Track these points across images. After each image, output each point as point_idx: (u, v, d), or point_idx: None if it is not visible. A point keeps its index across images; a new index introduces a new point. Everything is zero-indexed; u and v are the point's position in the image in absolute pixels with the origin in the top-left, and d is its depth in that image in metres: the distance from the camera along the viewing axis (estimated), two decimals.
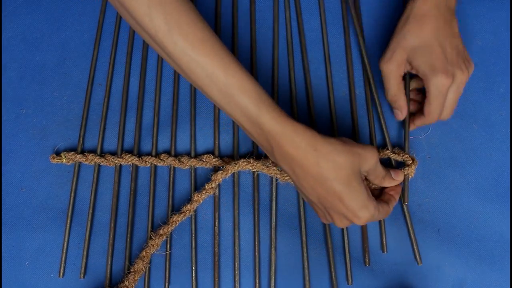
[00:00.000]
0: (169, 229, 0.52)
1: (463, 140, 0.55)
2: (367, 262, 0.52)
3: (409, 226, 0.52)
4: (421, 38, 0.49)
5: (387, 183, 0.49)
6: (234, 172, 0.54)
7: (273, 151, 0.44)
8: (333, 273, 0.52)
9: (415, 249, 0.52)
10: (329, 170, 0.42)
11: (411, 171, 0.52)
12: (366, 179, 0.48)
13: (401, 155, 0.52)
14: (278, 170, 0.52)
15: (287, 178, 0.52)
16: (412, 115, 0.54)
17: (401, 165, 0.53)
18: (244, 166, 0.52)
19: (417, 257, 0.52)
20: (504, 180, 0.54)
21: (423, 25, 0.49)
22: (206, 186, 0.52)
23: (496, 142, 0.55)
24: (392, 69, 0.51)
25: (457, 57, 0.49)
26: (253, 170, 0.52)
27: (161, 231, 0.51)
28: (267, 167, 0.51)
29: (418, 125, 0.53)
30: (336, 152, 0.42)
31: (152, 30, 0.42)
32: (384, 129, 0.54)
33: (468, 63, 0.50)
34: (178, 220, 0.52)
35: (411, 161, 0.52)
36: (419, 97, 0.54)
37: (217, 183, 0.52)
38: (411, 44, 0.49)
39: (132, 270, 0.51)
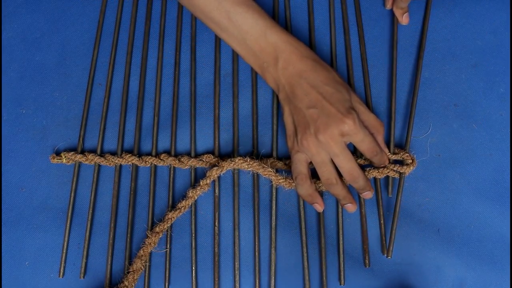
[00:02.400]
0: (165, 226, 0.52)
1: (463, 140, 0.55)
2: (367, 264, 0.52)
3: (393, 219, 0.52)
4: None
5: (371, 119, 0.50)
6: (232, 171, 0.54)
7: (276, 61, 0.49)
8: (324, 273, 0.52)
9: (391, 240, 0.52)
10: (324, 76, 0.48)
11: (408, 170, 0.52)
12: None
13: (401, 154, 0.52)
14: (273, 171, 0.51)
15: (281, 180, 0.51)
16: None
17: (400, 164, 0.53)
18: (240, 164, 0.51)
19: (389, 249, 0.51)
20: (504, 180, 0.54)
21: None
22: (201, 182, 0.52)
23: (496, 142, 0.55)
24: None
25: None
26: (249, 169, 0.52)
27: (157, 229, 0.51)
28: (263, 167, 0.51)
29: (402, 4, 0.54)
30: (332, 69, 0.50)
31: None
32: (392, 129, 0.54)
33: None
34: (173, 217, 0.52)
35: (411, 160, 0.52)
36: None
37: (211, 179, 0.52)
38: None
39: (131, 270, 0.51)
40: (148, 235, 0.51)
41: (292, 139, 0.50)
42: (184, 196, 0.53)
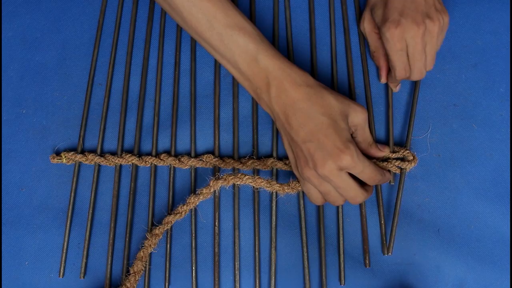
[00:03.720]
0: (164, 229, 0.51)
1: (463, 140, 0.55)
2: (367, 264, 0.52)
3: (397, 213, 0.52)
4: None
5: (373, 152, 0.50)
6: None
7: (269, 88, 0.46)
8: (324, 273, 0.52)
9: (391, 238, 0.52)
10: (319, 105, 0.45)
11: (409, 166, 0.52)
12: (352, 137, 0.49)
13: (402, 151, 0.52)
14: (279, 185, 0.51)
15: (287, 190, 0.51)
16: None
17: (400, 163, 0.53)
18: (246, 180, 0.51)
19: (390, 245, 0.51)
20: (504, 180, 0.54)
21: None
22: (204, 190, 0.51)
23: (496, 142, 0.55)
24: (365, 27, 0.54)
25: (420, 8, 0.48)
26: (255, 186, 0.51)
27: (156, 231, 0.51)
28: (269, 184, 0.50)
29: (395, 81, 0.54)
30: (328, 92, 0.46)
31: None
32: (391, 129, 0.54)
33: (440, 13, 0.49)
34: (172, 221, 0.51)
35: (412, 157, 0.52)
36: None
37: (214, 189, 0.51)
38: (372, 0, 0.52)
39: (132, 272, 0.51)
40: (148, 237, 0.51)
41: (294, 167, 0.48)
42: (184, 201, 0.52)
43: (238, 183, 0.51)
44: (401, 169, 0.52)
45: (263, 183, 0.51)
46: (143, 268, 0.51)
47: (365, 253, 0.52)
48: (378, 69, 0.56)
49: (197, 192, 0.51)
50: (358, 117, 0.47)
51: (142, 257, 0.51)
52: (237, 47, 0.47)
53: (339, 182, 0.45)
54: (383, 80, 0.55)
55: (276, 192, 0.53)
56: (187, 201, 0.51)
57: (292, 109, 0.46)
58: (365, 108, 0.48)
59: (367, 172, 0.46)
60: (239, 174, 0.51)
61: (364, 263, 0.52)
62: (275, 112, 0.47)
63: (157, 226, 0.52)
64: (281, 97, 0.46)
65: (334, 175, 0.45)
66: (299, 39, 0.58)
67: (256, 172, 0.54)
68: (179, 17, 0.49)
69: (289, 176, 0.54)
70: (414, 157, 0.52)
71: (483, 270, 0.52)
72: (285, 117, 0.46)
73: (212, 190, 0.51)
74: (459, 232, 0.53)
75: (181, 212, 0.51)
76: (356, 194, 0.47)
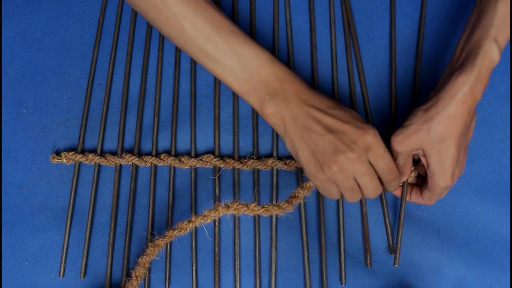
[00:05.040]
0: (166, 242, 0.50)
1: None
2: (369, 264, 0.52)
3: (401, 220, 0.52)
4: (444, 137, 0.45)
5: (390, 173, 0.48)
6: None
7: (278, 93, 0.47)
8: (324, 273, 0.52)
9: (399, 241, 0.51)
10: (328, 100, 0.47)
11: (409, 178, 0.51)
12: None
13: None
14: (276, 208, 0.49)
15: (285, 206, 0.50)
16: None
17: None
18: (240, 209, 0.49)
19: (396, 256, 0.50)
20: (504, 180, 0.54)
21: (452, 125, 0.45)
22: (207, 213, 0.49)
23: (496, 142, 0.55)
24: (403, 151, 0.47)
25: (463, 159, 0.48)
26: (250, 214, 0.50)
27: (159, 242, 0.50)
28: (266, 210, 0.49)
29: (435, 194, 0.50)
30: (330, 98, 0.48)
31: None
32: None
33: (462, 168, 0.48)
34: (173, 235, 0.50)
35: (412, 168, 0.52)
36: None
37: (221, 214, 0.49)
38: (433, 139, 0.46)
39: (133, 275, 0.50)
40: (150, 247, 0.50)
41: (316, 170, 0.46)
42: (188, 219, 0.50)
43: (242, 212, 0.49)
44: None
45: (260, 211, 0.49)
46: (144, 271, 0.51)
47: (366, 253, 0.52)
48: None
49: (203, 213, 0.49)
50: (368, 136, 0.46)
51: (144, 263, 0.50)
52: (245, 55, 0.46)
53: (365, 168, 0.45)
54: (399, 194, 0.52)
55: (277, 192, 0.54)
56: (191, 219, 0.50)
57: (306, 107, 0.46)
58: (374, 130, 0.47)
59: (386, 158, 0.46)
60: (246, 204, 0.49)
61: (366, 263, 0.52)
62: (287, 116, 0.46)
63: (159, 237, 0.50)
64: (292, 99, 0.46)
65: (361, 158, 0.45)
66: (299, 39, 0.58)
67: (256, 172, 0.54)
68: (174, 30, 0.47)
69: (289, 176, 0.54)
70: (413, 169, 0.52)
71: (483, 270, 0.52)
72: (298, 118, 0.46)
73: (219, 214, 0.49)
74: (459, 232, 0.53)
75: (186, 229, 0.50)
76: (378, 184, 0.47)
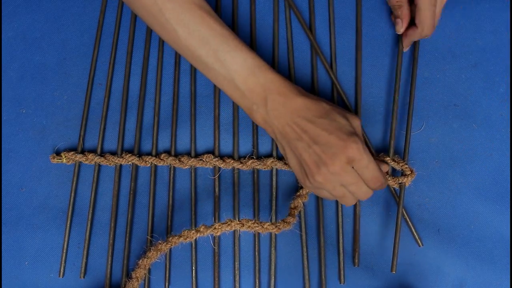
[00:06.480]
0: (168, 247, 0.50)
1: (463, 140, 0.55)
2: (356, 263, 0.52)
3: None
4: None
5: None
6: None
7: (266, 102, 0.47)
8: (323, 272, 0.52)
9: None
10: (317, 111, 0.46)
11: (408, 181, 0.52)
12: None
13: (400, 164, 0.52)
14: (272, 226, 0.50)
15: (291, 220, 0.50)
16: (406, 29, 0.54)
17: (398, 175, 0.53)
18: (236, 226, 0.50)
19: (394, 263, 0.51)
20: (504, 180, 0.54)
21: None
22: (217, 226, 0.49)
23: (496, 142, 0.55)
24: None
25: None
26: (262, 232, 0.51)
27: (161, 246, 0.50)
28: (261, 227, 0.50)
29: (411, 39, 0.54)
30: (323, 100, 0.48)
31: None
32: (392, 133, 0.54)
33: None
34: (178, 242, 0.50)
35: (410, 172, 0.52)
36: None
37: (231, 229, 0.50)
38: None
39: (134, 276, 0.50)
40: (152, 250, 0.50)
41: (303, 178, 0.48)
42: (196, 228, 0.50)
43: (242, 229, 0.50)
44: (400, 184, 0.52)
45: (256, 228, 0.50)
46: (145, 273, 0.51)
47: (354, 252, 0.52)
48: (393, 23, 0.55)
49: (214, 226, 0.49)
50: (354, 122, 0.47)
51: (145, 265, 0.50)
52: (234, 62, 0.47)
53: (351, 178, 0.46)
54: (402, 30, 0.54)
55: (276, 192, 0.54)
56: (198, 229, 0.50)
57: (292, 118, 0.46)
58: (358, 116, 0.49)
59: (371, 168, 0.46)
60: (231, 223, 0.50)
61: (353, 262, 0.52)
62: (274, 126, 0.47)
63: (162, 241, 0.50)
64: (278, 109, 0.47)
65: (345, 170, 0.45)
66: (299, 39, 0.58)
67: (256, 172, 0.54)
68: (169, 35, 0.48)
69: (289, 176, 0.54)
70: (411, 171, 0.52)
71: (483, 270, 0.52)
72: (284, 128, 0.47)
73: (231, 229, 0.49)
74: (459, 232, 0.53)
75: (192, 237, 0.50)
76: (367, 189, 0.47)
